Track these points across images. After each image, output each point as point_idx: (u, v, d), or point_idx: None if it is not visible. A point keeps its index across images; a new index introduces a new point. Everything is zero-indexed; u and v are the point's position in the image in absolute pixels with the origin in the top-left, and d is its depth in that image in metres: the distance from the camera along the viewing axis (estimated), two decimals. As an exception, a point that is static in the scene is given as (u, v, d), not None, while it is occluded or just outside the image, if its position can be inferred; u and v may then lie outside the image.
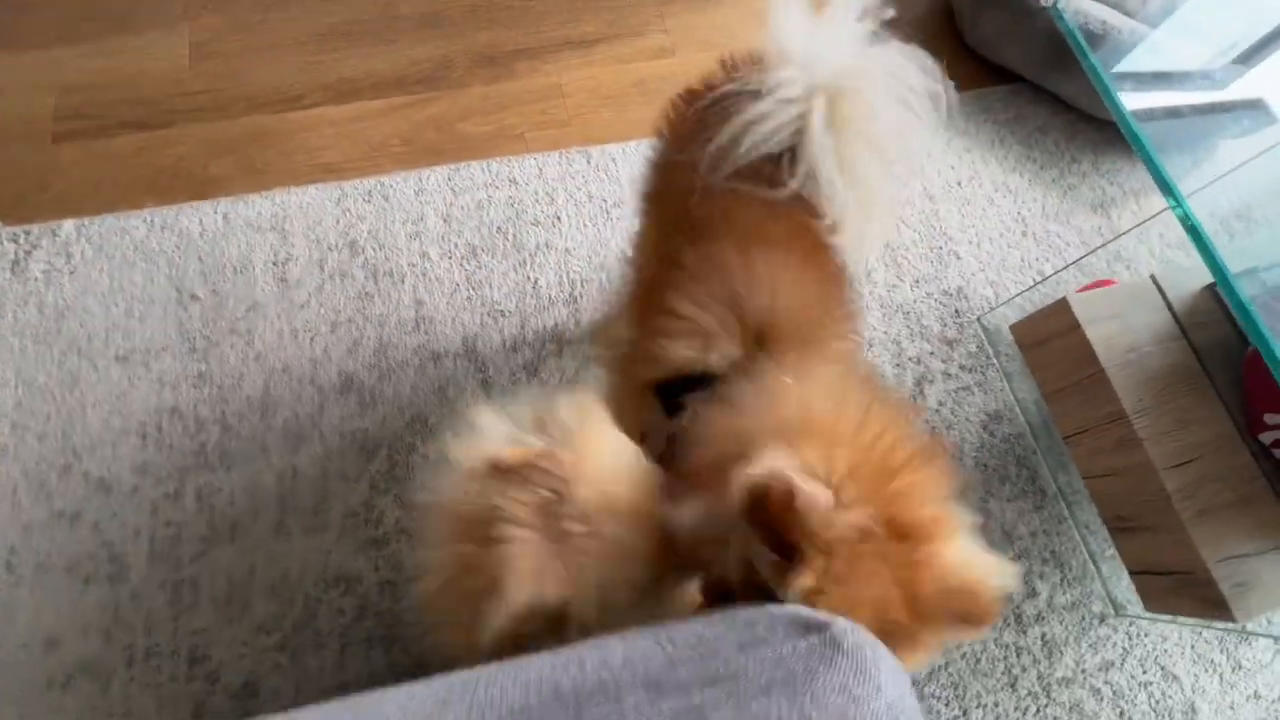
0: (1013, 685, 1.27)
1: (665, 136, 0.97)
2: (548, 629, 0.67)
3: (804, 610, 0.55)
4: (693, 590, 0.73)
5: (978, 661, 1.27)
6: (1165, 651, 1.31)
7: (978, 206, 1.64)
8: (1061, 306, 1.20)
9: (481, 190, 1.54)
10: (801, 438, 0.63)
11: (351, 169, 1.55)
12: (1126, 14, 1.53)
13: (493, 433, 0.71)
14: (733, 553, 0.63)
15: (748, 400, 0.70)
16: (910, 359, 1.48)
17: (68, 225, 1.44)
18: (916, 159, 0.87)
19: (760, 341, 0.77)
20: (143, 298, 1.40)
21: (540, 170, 1.56)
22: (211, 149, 1.55)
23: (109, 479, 1.26)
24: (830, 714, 0.47)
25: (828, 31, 0.84)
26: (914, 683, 1.25)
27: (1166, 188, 0.94)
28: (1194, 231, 0.90)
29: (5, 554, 1.20)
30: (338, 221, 1.48)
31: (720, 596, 0.67)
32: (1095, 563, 1.35)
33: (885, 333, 1.49)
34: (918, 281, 1.55)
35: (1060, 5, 1.10)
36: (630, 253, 1.08)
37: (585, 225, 1.52)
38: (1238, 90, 1.39)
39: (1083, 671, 1.29)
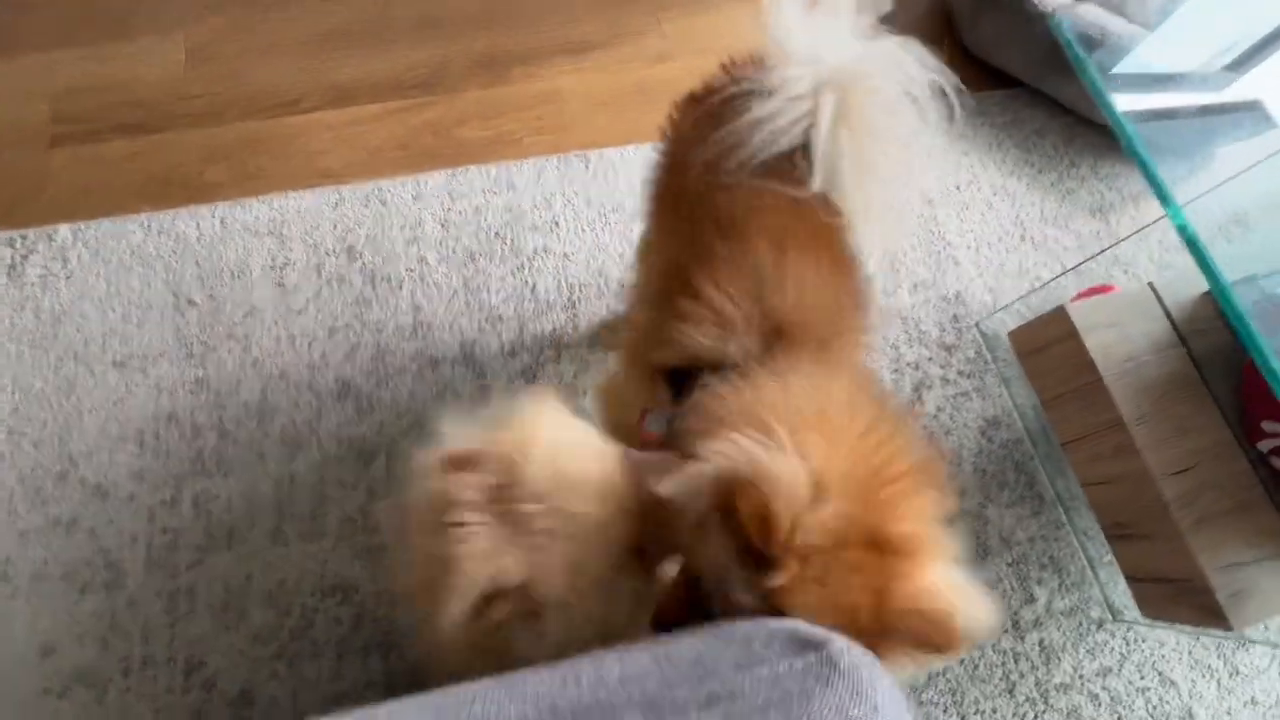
0: (1010, 691, 1.27)
1: (671, 138, 0.97)
2: (523, 616, 0.69)
3: (801, 626, 0.55)
4: (671, 569, 0.74)
5: (975, 668, 1.27)
6: (1163, 657, 1.32)
7: (976, 211, 1.64)
8: (1060, 314, 1.20)
9: (479, 195, 1.53)
10: (804, 429, 0.63)
11: (349, 174, 1.54)
12: (1124, 17, 1.53)
13: (454, 435, 0.72)
14: (704, 540, 0.64)
15: (757, 386, 0.70)
16: (908, 364, 1.48)
17: (64, 230, 1.43)
18: (926, 151, 0.87)
19: (778, 338, 0.77)
20: (139, 303, 1.39)
21: (538, 175, 1.56)
22: (208, 153, 1.54)
23: (106, 485, 1.26)
24: (828, 734, 0.46)
25: (827, 28, 0.85)
26: (911, 689, 1.25)
27: (1163, 197, 0.94)
28: (1191, 242, 0.90)
29: (1, 562, 1.20)
30: (335, 226, 1.48)
31: (696, 581, 0.67)
32: (1093, 568, 1.35)
33: (883, 338, 1.49)
34: (916, 286, 1.55)
35: (1059, 16, 1.09)
36: (643, 244, 1.08)
37: (583, 230, 1.52)
38: (1235, 95, 1.39)
39: (1080, 677, 1.29)
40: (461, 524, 0.66)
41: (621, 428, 0.90)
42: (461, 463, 0.68)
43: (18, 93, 1.58)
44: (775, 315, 0.77)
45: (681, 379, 0.81)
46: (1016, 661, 1.28)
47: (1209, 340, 1.18)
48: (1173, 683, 1.30)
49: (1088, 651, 1.31)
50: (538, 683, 0.54)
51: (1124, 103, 1.10)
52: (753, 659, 0.52)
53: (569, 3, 1.79)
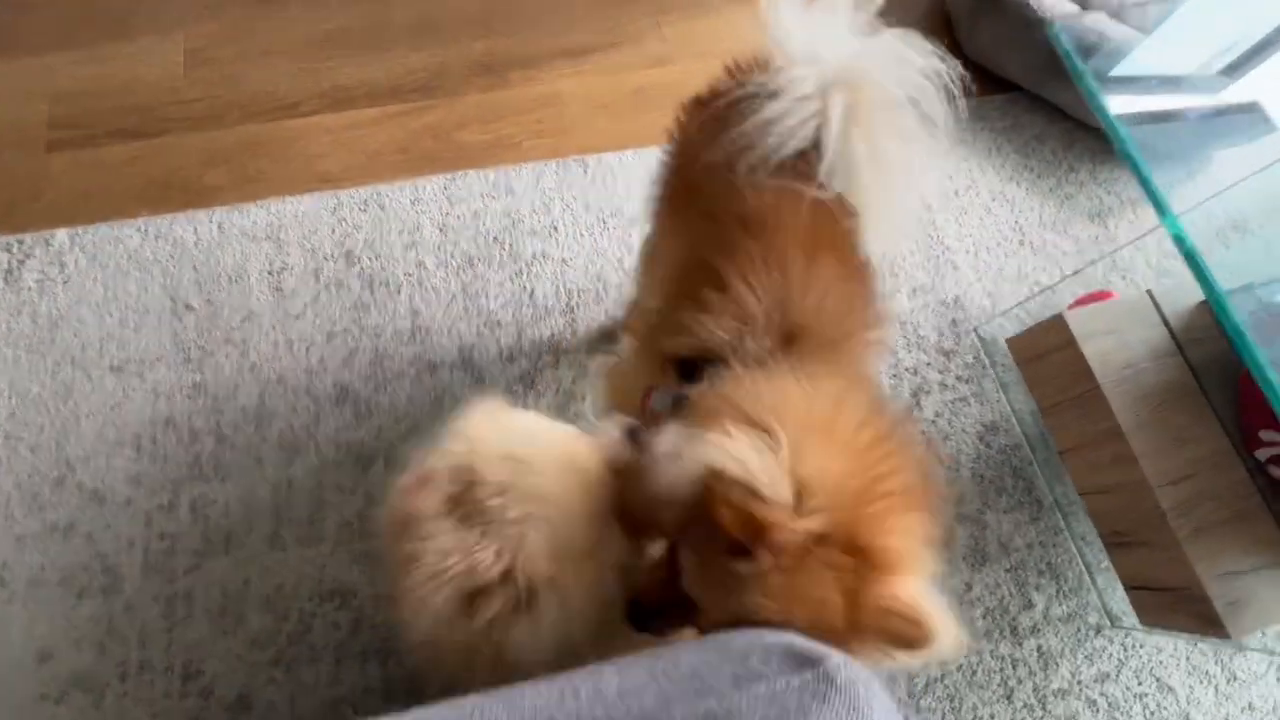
0: (1009, 697, 1.27)
1: (678, 140, 0.98)
2: (516, 608, 0.70)
3: (798, 641, 0.55)
4: (657, 549, 0.75)
5: (974, 674, 1.27)
6: (1161, 663, 1.32)
7: (975, 216, 1.64)
8: (1058, 322, 1.20)
9: (478, 199, 1.53)
10: (808, 431, 0.64)
11: (347, 178, 1.54)
12: (1124, 23, 1.53)
13: (415, 462, 0.75)
14: (684, 520, 0.65)
15: (769, 382, 0.70)
16: (907, 369, 1.48)
17: (61, 234, 1.43)
18: (932, 147, 0.88)
19: (794, 339, 0.77)
20: (137, 307, 1.39)
21: (537, 179, 1.56)
22: (207, 157, 1.54)
23: (103, 490, 1.26)
24: (824, 752, 0.46)
25: (826, 26, 0.85)
26: (910, 695, 1.25)
27: (1160, 207, 0.94)
28: (1188, 253, 0.90)
29: (-2, 567, 1.20)
30: (333, 231, 1.48)
31: (676, 566, 0.69)
32: (1091, 574, 1.35)
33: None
34: (915, 291, 1.55)
35: (1057, 27, 1.10)
36: (650, 240, 1.08)
37: (582, 235, 1.52)
38: (1233, 98, 1.39)
39: (1078, 683, 1.29)
40: (422, 535, 0.69)
41: (626, 408, 0.90)
42: (420, 484, 0.70)
43: (16, 95, 1.58)
44: (795, 316, 0.78)
45: (690, 369, 0.81)
46: (1014, 667, 1.28)
47: (1207, 349, 1.18)
48: (1170, 689, 1.30)
49: (1086, 657, 1.31)
50: (535, 696, 0.54)
51: (1121, 105, 1.10)
52: (750, 675, 0.52)
53: (568, 6, 1.78)
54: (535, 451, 0.74)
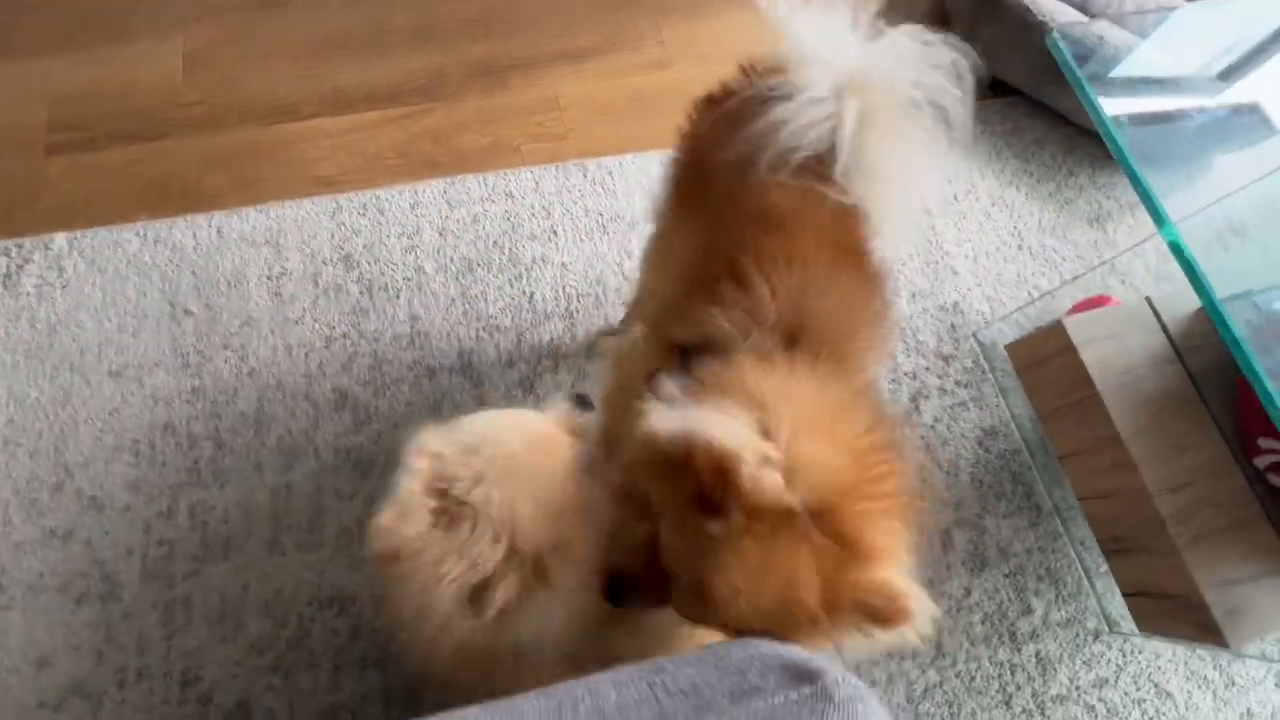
0: (1007, 703, 1.27)
1: (690, 137, 0.98)
2: (525, 593, 0.72)
3: (797, 655, 0.55)
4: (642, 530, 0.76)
5: (972, 679, 1.27)
6: (1159, 668, 1.32)
7: (974, 220, 1.64)
8: (1057, 328, 1.20)
9: (477, 204, 1.53)
10: (807, 425, 0.65)
11: (347, 182, 1.54)
12: (1124, 28, 1.53)
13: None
14: (667, 482, 0.67)
15: (781, 372, 0.71)
16: (906, 374, 1.48)
17: (60, 239, 1.43)
18: (945, 151, 0.88)
19: (799, 338, 0.78)
20: (135, 312, 1.39)
21: (536, 184, 1.56)
22: (205, 161, 1.54)
23: (101, 497, 1.26)
24: (822, 769, 0.46)
25: (836, 30, 0.86)
26: (909, 700, 1.25)
27: (1158, 217, 0.94)
28: (1187, 263, 0.90)
29: (-3, 573, 1.20)
30: (332, 235, 1.48)
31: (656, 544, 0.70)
32: (1090, 579, 1.35)
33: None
34: (914, 296, 1.55)
35: (1056, 36, 1.09)
36: (660, 234, 1.08)
37: (581, 239, 1.52)
38: (1232, 104, 1.39)
39: (1077, 689, 1.29)
40: (414, 554, 0.71)
41: (629, 390, 0.91)
42: (398, 514, 0.71)
43: (15, 98, 1.58)
44: (807, 317, 0.78)
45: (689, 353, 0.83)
46: (1013, 673, 1.28)
47: (1205, 355, 1.18)
48: (1169, 694, 1.30)
49: (1084, 663, 1.31)
50: (533, 710, 0.54)
51: (1119, 108, 1.10)
52: (748, 689, 0.52)
53: (568, 9, 1.78)
54: (495, 436, 0.77)
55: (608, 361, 1.14)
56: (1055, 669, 1.30)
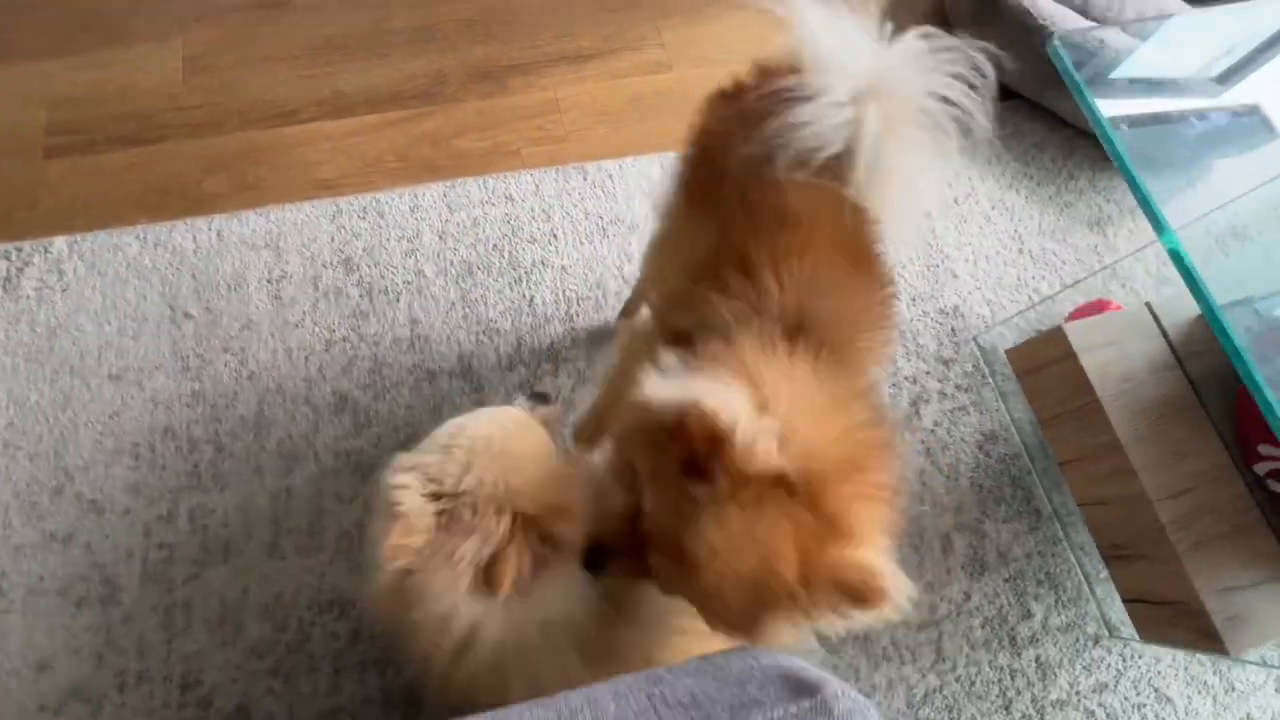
0: (1007, 708, 1.27)
1: (701, 132, 0.98)
2: (542, 555, 0.76)
3: (796, 668, 0.55)
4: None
5: (972, 684, 1.27)
6: (1159, 673, 1.32)
7: (974, 224, 1.64)
8: (1057, 334, 1.20)
9: (477, 207, 1.53)
10: (803, 410, 0.66)
11: (347, 185, 1.54)
12: (1126, 32, 1.52)
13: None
14: (656, 447, 0.67)
15: (785, 359, 0.72)
16: (906, 378, 1.48)
17: (59, 242, 1.43)
18: (974, 146, 0.88)
19: (799, 334, 0.78)
20: (135, 315, 1.39)
21: (536, 187, 1.56)
22: (205, 164, 1.54)
23: (101, 500, 1.26)
24: (822, 783, 0.46)
25: (853, 33, 0.86)
26: (909, 705, 1.25)
27: (1158, 225, 0.94)
28: (1187, 272, 0.90)
29: (-3, 577, 1.20)
30: (332, 239, 1.47)
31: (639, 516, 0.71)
32: (1090, 584, 1.35)
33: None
34: (914, 300, 1.55)
35: (1056, 44, 1.09)
36: (668, 226, 1.09)
37: (581, 242, 1.52)
38: (1233, 106, 1.39)
39: (1077, 694, 1.29)
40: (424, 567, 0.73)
41: (629, 375, 0.92)
42: (402, 527, 0.73)
43: (14, 101, 1.57)
44: (812, 313, 0.78)
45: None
46: (1013, 678, 1.28)
47: (1206, 361, 1.18)
48: (1169, 699, 1.30)
49: (1084, 668, 1.31)
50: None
51: (1119, 109, 1.10)
52: (748, 702, 0.52)
53: (568, 12, 1.78)
54: (470, 429, 0.80)
55: (617, 347, 1.15)
56: (1055, 674, 1.30)
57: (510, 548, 0.74)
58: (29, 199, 1.47)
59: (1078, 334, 1.18)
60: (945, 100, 0.85)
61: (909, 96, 0.85)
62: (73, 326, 1.37)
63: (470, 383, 1.38)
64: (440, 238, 1.49)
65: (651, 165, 1.59)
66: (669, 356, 0.74)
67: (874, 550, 0.64)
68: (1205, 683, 1.32)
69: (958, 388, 1.48)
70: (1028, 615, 1.33)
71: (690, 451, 0.62)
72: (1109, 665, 1.31)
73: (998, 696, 1.27)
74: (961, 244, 1.61)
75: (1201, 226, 1.01)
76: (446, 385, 1.38)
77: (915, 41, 0.86)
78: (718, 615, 0.68)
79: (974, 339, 1.51)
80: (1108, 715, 1.28)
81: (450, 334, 1.42)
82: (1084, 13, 1.70)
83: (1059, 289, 1.56)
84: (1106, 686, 1.30)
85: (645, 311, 1.30)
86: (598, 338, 1.46)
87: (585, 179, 1.57)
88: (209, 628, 1.19)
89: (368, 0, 1.74)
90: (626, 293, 1.46)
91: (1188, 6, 1.75)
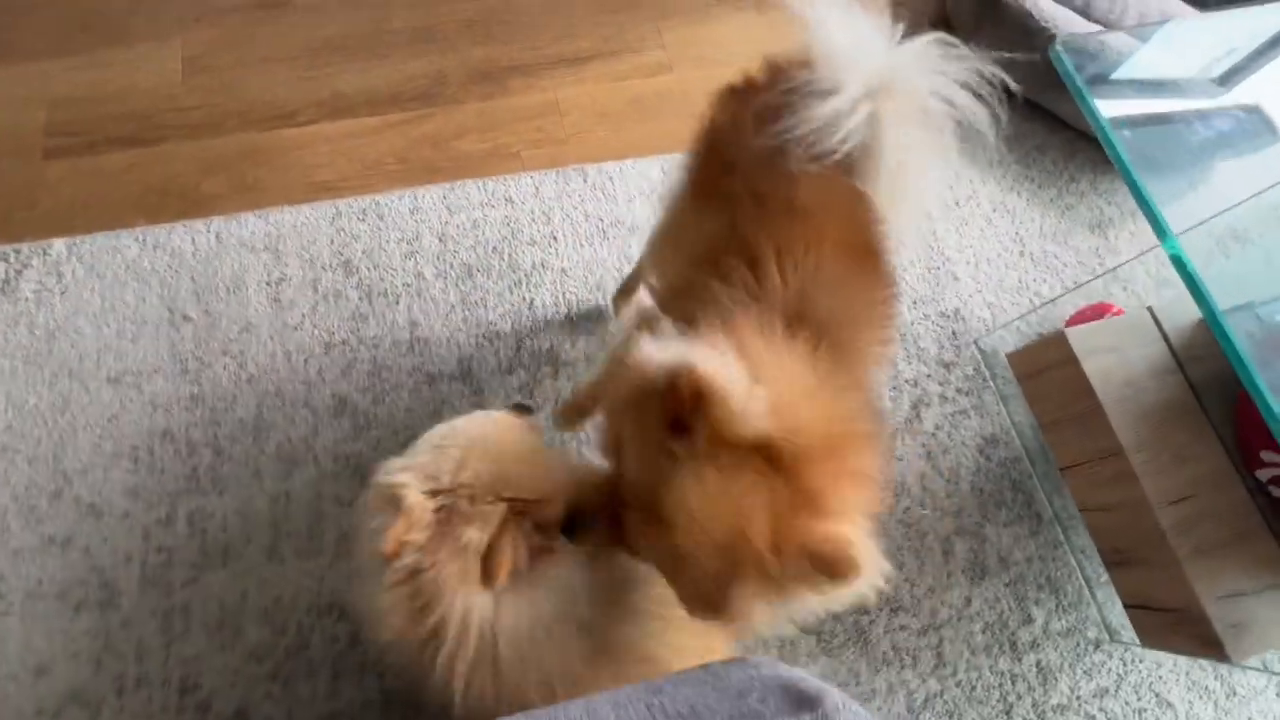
0: (1008, 713, 1.26)
1: (710, 125, 0.98)
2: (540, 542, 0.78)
3: (796, 679, 0.54)
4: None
5: (973, 689, 1.27)
6: (1160, 678, 1.31)
7: (975, 227, 1.63)
8: (1058, 338, 1.19)
9: (477, 209, 1.52)
10: (796, 390, 0.67)
11: (346, 187, 1.53)
12: (1128, 34, 1.52)
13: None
14: (642, 405, 0.69)
15: (780, 344, 0.73)
16: (907, 381, 1.48)
17: (58, 244, 1.42)
18: (983, 149, 0.90)
19: (798, 324, 0.78)
20: (134, 318, 1.38)
21: (536, 189, 1.55)
22: (204, 166, 1.53)
23: (100, 504, 1.25)
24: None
25: (866, 32, 0.87)
26: (909, 710, 1.25)
27: (1160, 230, 0.93)
28: (1189, 277, 0.89)
29: (-5, 581, 1.20)
30: (332, 241, 1.47)
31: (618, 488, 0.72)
32: (1090, 589, 1.35)
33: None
34: (915, 303, 1.55)
35: (1059, 49, 1.09)
36: (674, 217, 1.09)
37: (582, 245, 1.51)
38: (1234, 108, 1.38)
39: (1078, 698, 1.29)
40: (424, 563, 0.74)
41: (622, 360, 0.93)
42: (403, 521, 0.74)
43: (13, 101, 1.57)
44: (811, 306, 0.79)
45: None
46: (1014, 683, 1.28)
47: (1207, 366, 1.17)
48: (1170, 704, 1.30)
49: (1085, 672, 1.30)
50: (532, 733, 0.54)
51: (1119, 109, 1.10)
52: (748, 714, 0.51)
53: (568, 12, 1.78)
54: (460, 429, 0.82)
55: (624, 329, 1.16)
56: (1056, 678, 1.29)
57: (504, 538, 0.74)
58: (28, 200, 1.47)
59: (1079, 338, 1.18)
60: (952, 103, 0.87)
61: (919, 95, 0.86)
62: (71, 329, 1.36)
63: (470, 385, 1.38)
64: (440, 240, 1.49)
65: (652, 167, 1.59)
66: (665, 324, 0.76)
67: (849, 525, 0.64)
68: (1206, 687, 1.32)
69: (958, 391, 1.48)
70: (1028, 620, 1.32)
71: (677, 410, 0.63)
72: (1110, 670, 1.31)
73: (998, 701, 1.27)
74: (963, 247, 1.61)
75: (1203, 230, 1.01)
76: (446, 388, 1.38)
77: (927, 45, 0.87)
78: (688, 582, 0.68)
79: (975, 342, 1.51)
80: (1108, 720, 1.28)
81: (450, 337, 1.42)
82: (1085, 15, 1.69)
83: (1060, 292, 1.56)
84: (1107, 691, 1.30)
85: (641, 303, 1.31)
86: (592, 317, 1.46)
87: (585, 181, 1.57)
88: (208, 631, 1.19)
89: (368, 1, 1.73)
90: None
91: (1189, 9, 1.74)
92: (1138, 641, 1.22)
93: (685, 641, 0.86)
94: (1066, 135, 1.74)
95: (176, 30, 1.66)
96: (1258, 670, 1.30)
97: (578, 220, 1.53)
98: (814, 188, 0.83)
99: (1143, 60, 1.42)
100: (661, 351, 0.68)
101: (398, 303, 1.43)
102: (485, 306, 1.44)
